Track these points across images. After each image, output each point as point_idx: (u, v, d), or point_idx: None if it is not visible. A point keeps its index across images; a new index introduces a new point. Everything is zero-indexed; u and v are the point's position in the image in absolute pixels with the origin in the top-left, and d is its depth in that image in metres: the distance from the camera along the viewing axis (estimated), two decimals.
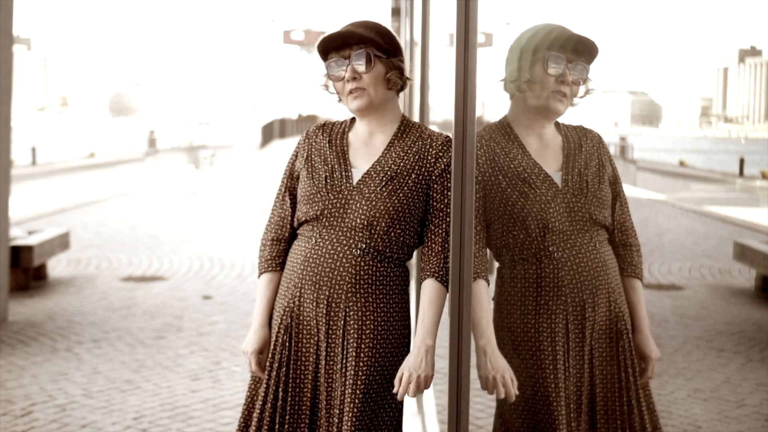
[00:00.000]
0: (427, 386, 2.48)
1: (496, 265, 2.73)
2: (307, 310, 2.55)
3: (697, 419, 4.80)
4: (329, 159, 2.58)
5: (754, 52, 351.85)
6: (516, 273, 2.62)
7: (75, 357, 5.84)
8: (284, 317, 2.58)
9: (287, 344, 2.57)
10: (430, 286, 2.50)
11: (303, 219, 2.58)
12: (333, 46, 2.57)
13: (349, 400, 2.48)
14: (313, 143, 2.63)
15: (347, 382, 2.49)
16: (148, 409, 4.85)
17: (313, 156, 2.61)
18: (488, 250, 2.69)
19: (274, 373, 2.57)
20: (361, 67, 2.52)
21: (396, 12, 8.56)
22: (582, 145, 2.68)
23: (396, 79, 2.56)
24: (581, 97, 2.67)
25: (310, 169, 2.59)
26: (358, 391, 2.49)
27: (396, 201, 2.50)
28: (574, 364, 2.58)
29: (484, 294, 2.54)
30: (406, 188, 2.52)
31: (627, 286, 2.71)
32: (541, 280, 2.59)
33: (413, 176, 2.53)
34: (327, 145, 2.61)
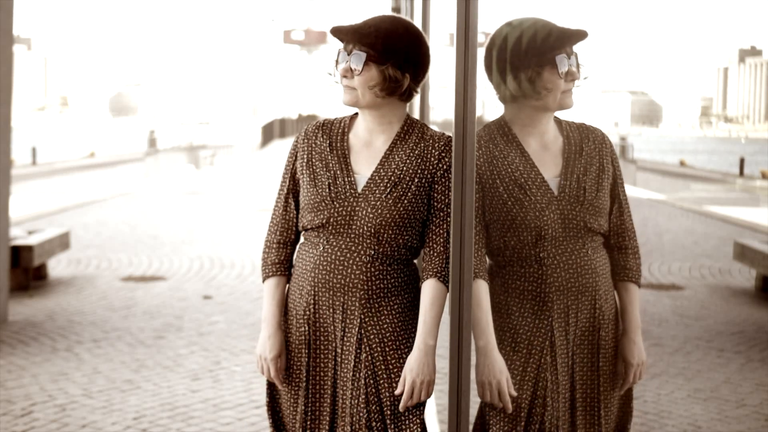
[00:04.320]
0: (429, 393, 2.47)
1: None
2: (324, 316, 2.53)
3: (697, 419, 4.80)
4: (331, 164, 2.53)
5: (754, 52, 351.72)
6: (505, 272, 2.60)
7: (75, 357, 5.84)
8: (302, 327, 2.56)
9: (306, 352, 2.56)
10: (431, 285, 2.49)
11: (309, 227, 2.55)
12: (340, 38, 2.54)
13: (373, 399, 2.47)
14: (313, 145, 2.58)
15: (369, 388, 2.48)
16: (148, 409, 4.85)
17: (314, 159, 2.56)
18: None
19: (296, 383, 2.58)
20: (353, 67, 2.49)
21: (396, 12, 8.55)
22: (583, 147, 2.63)
23: (389, 88, 2.48)
24: (577, 86, 2.64)
25: (312, 175, 2.54)
26: (385, 393, 2.49)
27: (401, 208, 2.49)
28: (561, 371, 2.57)
29: (484, 294, 2.53)
30: (410, 193, 2.50)
31: (620, 290, 2.68)
32: (528, 284, 2.57)
33: (416, 180, 2.51)
34: (328, 149, 2.56)
